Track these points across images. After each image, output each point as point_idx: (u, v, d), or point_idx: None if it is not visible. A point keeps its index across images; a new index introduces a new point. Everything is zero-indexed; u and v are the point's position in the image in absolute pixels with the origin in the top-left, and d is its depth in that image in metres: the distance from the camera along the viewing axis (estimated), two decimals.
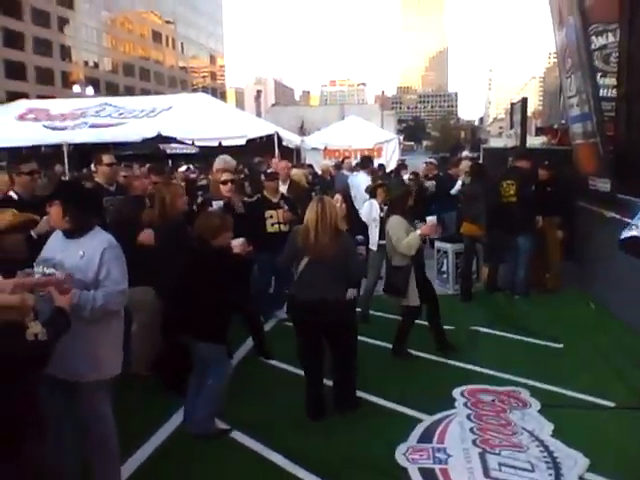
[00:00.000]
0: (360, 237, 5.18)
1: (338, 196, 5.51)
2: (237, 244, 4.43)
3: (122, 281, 3.26)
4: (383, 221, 6.45)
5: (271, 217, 6.70)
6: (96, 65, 73.17)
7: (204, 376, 4.38)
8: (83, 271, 3.16)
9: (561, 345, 6.20)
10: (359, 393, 4.95)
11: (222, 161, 6.52)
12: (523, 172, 8.30)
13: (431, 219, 5.87)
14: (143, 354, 5.34)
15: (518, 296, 8.09)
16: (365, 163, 11.53)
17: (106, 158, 6.42)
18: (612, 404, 4.80)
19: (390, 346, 6.11)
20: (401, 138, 26.86)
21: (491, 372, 5.47)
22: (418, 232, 5.69)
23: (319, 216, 4.52)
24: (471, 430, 4.37)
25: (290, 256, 4.77)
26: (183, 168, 9.21)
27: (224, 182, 5.94)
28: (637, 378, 5.26)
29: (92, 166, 10.23)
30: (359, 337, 5.16)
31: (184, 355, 4.50)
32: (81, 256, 3.20)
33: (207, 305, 4.19)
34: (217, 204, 5.70)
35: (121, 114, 16.08)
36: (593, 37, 8.65)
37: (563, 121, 12.38)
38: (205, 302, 4.19)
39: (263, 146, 14.72)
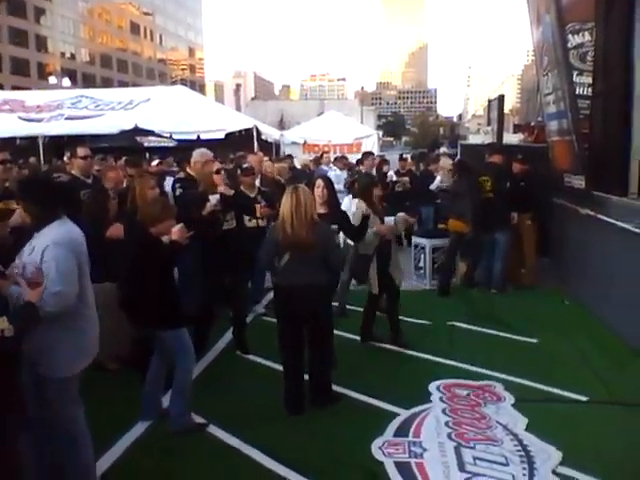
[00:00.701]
0: (334, 226, 5.19)
1: (320, 181, 5.48)
2: (175, 230, 4.37)
3: (58, 283, 3.07)
4: None
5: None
6: (73, 56, 72.16)
7: (162, 367, 4.42)
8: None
9: (536, 340, 6.27)
10: (337, 388, 4.97)
11: (201, 153, 6.46)
12: (497, 167, 8.38)
13: (389, 220, 6.00)
14: (106, 346, 5.32)
15: (495, 291, 8.17)
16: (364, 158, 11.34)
17: (81, 151, 6.36)
18: (585, 398, 4.87)
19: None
20: (380, 134, 26.89)
21: (467, 366, 5.51)
22: (374, 229, 5.71)
23: (294, 207, 4.51)
24: (446, 424, 4.41)
25: (270, 252, 4.73)
26: (155, 162, 9.12)
27: (218, 171, 5.89)
28: (610, 373, 5.35)
29: (65, 158, 10.13)
30: (337, 331, 5.19)
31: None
32: (30, 251, 3.17)
33: (153, 292, 4.19)
34: (214, 198, 5.62)
35: (98, 106, 15.90)
36: (570, 35, 8.75)
37: (540, 119, 12.49)
38: (150, 290, 4.20)
39: (242, 140, 14.65)
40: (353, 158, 14.79)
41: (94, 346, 3.47)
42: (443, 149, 27.09)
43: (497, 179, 8.17)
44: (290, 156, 15.04)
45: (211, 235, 5.52)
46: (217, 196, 5.62)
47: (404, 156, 14.51)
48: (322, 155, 14.39)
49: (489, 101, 12.94)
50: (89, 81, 67.20)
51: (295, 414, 4.63)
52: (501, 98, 11.04)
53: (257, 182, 7.63)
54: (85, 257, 3.36)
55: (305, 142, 18.50)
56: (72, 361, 3.30)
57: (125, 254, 4.49)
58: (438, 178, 10.36)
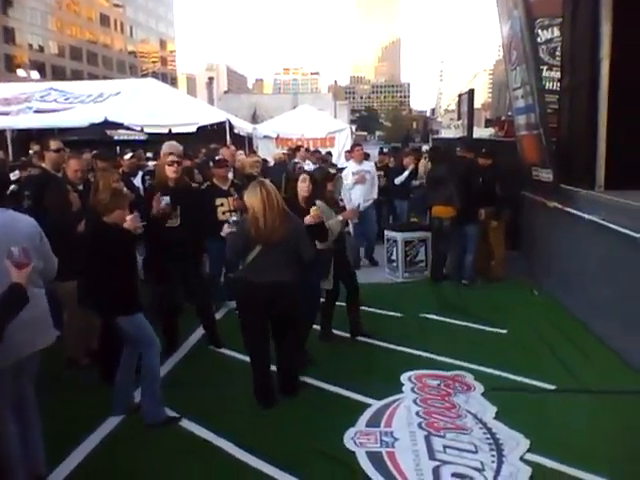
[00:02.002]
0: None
1: (306, 175, 5.52)
2: (128, 219, 4.35)
3: None
4: None
5: (222, 205, 6.63)
6: (41, 49, 70.72)
7: (131, 359, 4.42)
8: None
9: (505, 331, 6.38)
10: (309, 380, 5.01)
11: (169, 145, 6.43)
12: (468, 162, 8.47)
13: (352, 204, 6.11)
14: (76, 340, 5.39)
15: (466, 282, 8.27)
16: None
17: (53, 144, 6.28)
18: (553, 387, 4.97)
19: (342, 334, 6.20)
20: (353, 128, 26.94)
21: (438, 357, 5.59)
22: (340, 217, 5.74)
23: (265, 201, 4.49)
24: (417, 414, 4.47)
25: (242, 248, 4.64)
26: (128, 156, 9.02)
27: (170, 163, 5.79)
28: (577, 362, 5.48)
29: (30, 152, 9.94)
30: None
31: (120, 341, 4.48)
32: None
33: (104, 280, 4.23)
34: (164, 200, 5.58)
35: (67, 99, 15.69)
36: (539, 31, 8.89)
37: (510, 113, 12.65)
38: (102, 277, 4.23)
39: (214, 134, 14.59)
40: (326, 151, 14.81)
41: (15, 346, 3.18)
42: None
43: (468, 173, 8.25)
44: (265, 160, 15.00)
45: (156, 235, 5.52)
46: (167, 198, 5.57)
47: (384, 150, 14.54)
48: (298, 148, 14.35)
49: (459, 95, 13.06)
50: (58, 74, 65.96)
51: (267, 406, 4.64)
52: (471, 92, 11.16)
53: (230, 175, 7.62)
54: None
55: (278, 136, 18.47)
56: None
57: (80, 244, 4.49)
58: (405, 173, 10.52)
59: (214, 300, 6.59)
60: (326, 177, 6.10)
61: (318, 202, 5.75)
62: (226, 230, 5.09)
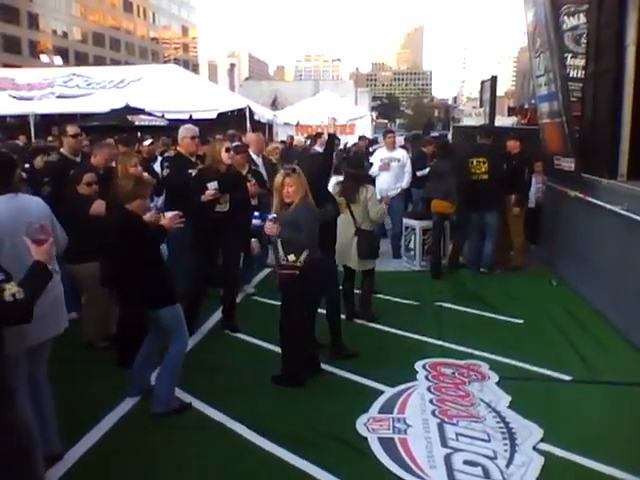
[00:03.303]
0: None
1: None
2: (168, 217, 4.32)
3: None
4: None
5: None
6: (65, 34, 71.22)
7: (156, 347, 4.40)
8: None
9: (522, 321, 6.33)
10: (324, 366, 5.04)
11: (187, 128, 6.44)
12: (494, 149, 8.36)
13: None
14: (95, 324, 5.44)
15: (484, 270, 8.21)
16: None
17: (71, 129, 6.34)
18: (569, 378, 4.94)
19: (357, 320, 6.23)
20: (374, 115, 26.79)
21: (453, 346, 5.58)
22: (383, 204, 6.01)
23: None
24: (431, 401, 4.47)
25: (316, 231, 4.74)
26: (148, 142, 9.07)
27: (227, 149, 5.80)
28: (594, 353, 5.43)
29: (50, 137, 10.07)
30: (323, 311, 5.25)
31: (139, 327, 4.50)
32: None
33: (139, 270, 4.14)
34: (212, 185, 5.61)
35: (89, 84, 15.85)
36: (565, 17, 8.71)
37: (533, 101, 12.48)
38: (137, 267, 4.14)
39: (234, 120, 14.64)
40: (346, 139, 14.77)
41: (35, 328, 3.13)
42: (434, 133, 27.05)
43: (495, 161, 8.16)
44: (283, 142, 15.05)
45: (205, 219, 5.56)
46: (215, 183, 5.60)
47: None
48: (319, 135, 14.34)
49: (482, 83, 12.91)
50: (81, 59, 66.42)
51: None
52: (494, 79, 11.02)
53: (260, 161, 7.68)
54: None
55: (298, 123, 18.45)
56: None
57: (105, 231, 4.44)
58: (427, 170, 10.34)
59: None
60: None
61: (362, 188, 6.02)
62: (272, 228, 4.71)
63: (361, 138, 14.81)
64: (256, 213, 5.12)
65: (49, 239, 2.92)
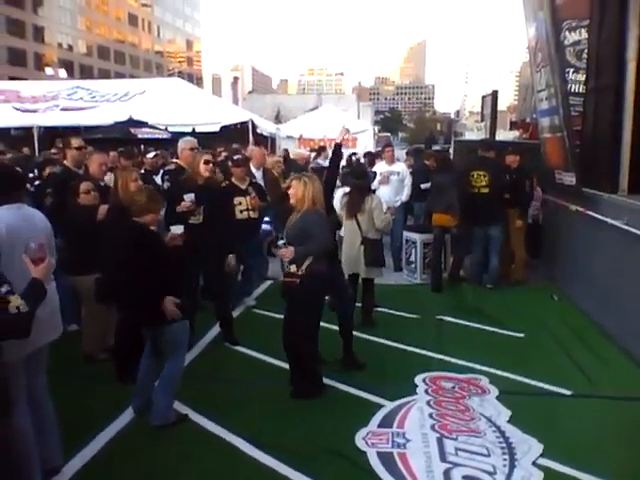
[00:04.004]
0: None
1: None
2: (170, 237, 4.37)
3: None
4: None
5: (240, 204, 6.66)
6: (70, 48, 71.83)
7: (156, 358, 4.37)
8: None
9: (522, 335, 6.32)
10: (324, 380, 5.01)
11: (186, 141, 6.47)
12: (495, 162, 8.37)
13: None
14: (94, 336, 5.43)
15: (490, 285, 8.17)
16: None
17: (75, 142, 6.38)
18: (569, 392, 4.92)
19: (357, 334, 6.17)
20: (377, 129, 26.89)
21: (453, 360, 5.56)
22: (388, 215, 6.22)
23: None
24: (430, 416, 4.45)
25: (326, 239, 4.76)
26: (151, 154, 9.13)
27: (206, 162, 5.82)
28: (595, 368, 5.40)
29: (53, 149, 10.12)
30: (326, 325, 5.25)
31: (135, 338, 4.49)
32: None
33: (154, 285, 4.10)
34: (189, 197, 5.63)
35: (93, 97, 15.95)
36: (566, 32, 8.77)
37: (535, 115, 12.51)
38: (151, 283, 4.09)
39: (237, 133, 14.71)
40: (347, 152, 14.79)
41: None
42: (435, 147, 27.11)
43: (496, 174, 8.17)
44: (286, 150, 15.17)
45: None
46: (192, 195, 5.61)
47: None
48: (323, 148, 14.41)
49: (483, 97, 12.96)
50: (86, 72, 66.94)
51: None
52: (494, 93, 11.07)
53: (259, 175, 7.71)
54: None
55: (301, 136, 18.53)
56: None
57: (109, 245, 4.45)
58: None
59: (231, 298, 6.61)
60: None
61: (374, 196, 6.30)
62: (287, 253, 4.67)
63: (366, 155, 14.95)
64: (267, 218, 5.16)
65: (46, 258, 2.94)
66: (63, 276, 5.28)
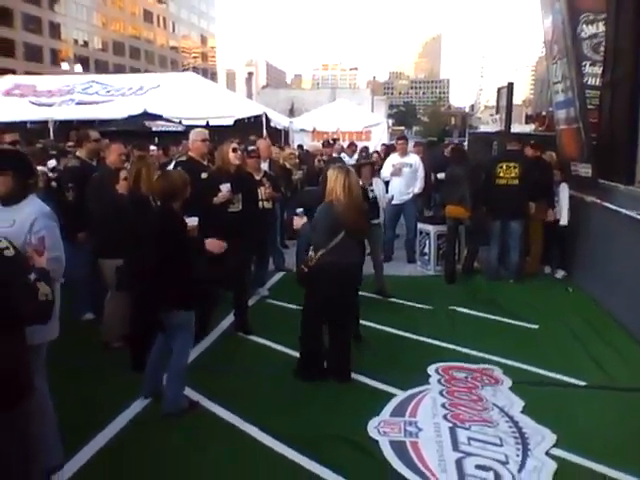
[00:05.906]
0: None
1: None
2: (191, 225, 4.39)
3: (55, 249, 3.21)
4: None
5: None
6: (86, 43, 72.24)
7: (167, 348, 4.38)
8: (13, 239, 3.15)
9: (536, 326, 6.28)
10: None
11: (196, 132, 6.48)
12: (526, 156, 8.24)
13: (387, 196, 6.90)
14: (113, 324, 5.44)
15: (512, 280, 8.05)
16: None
17: (93, 134, 6.49)
18: (583, 383, 4.89)
19: (370, 324, 6.19)
20: (390, 122, 26.81)
21: (466, 350, 5.55)
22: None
23: (347, 188, 4.72)
24: (443, 405, 4.45)
25: (330, 231, 4.75)
26: (153, 148, 9.19)
27: (234, 150, 5.82)
28: (610, 360, 5.37)
29: (70, 142, 10.20)
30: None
31: (148, 327, 4.51)
32: (11, 224, 3.20)
33: (176, 270, 4.12)
34: (225, 186, 5.65)
35: (108, 92, 16.06)
36: (584, 25, 8.67)
37: (551, 108, 12.40)
38: (169, 266, 4.11)
39: (251, 127, 14.73)
40: (362, 145, 14.79)
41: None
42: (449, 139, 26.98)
43: (528, 167, 8.01)
44: (300, 146, 15.20)
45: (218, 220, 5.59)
46: (228, 185, 5.64)
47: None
48: (335, 140, 14.42)
49: (498, 89, 12.86)
50: (102, 68, 67.31)
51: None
52: (510, 86, 10.97)
53: (266, 166, 7.72)
54: None
55: (314, 129, 18.53)
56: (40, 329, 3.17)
57: (132, 232, 4.48)
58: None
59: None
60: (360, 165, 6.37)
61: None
62: (298, 222, 5.21)
63: (382, 146, 14.98)
64: (299, 210, 5.29)
65: (44, 252, 2.97)
66: (88, 264, 5.38)
